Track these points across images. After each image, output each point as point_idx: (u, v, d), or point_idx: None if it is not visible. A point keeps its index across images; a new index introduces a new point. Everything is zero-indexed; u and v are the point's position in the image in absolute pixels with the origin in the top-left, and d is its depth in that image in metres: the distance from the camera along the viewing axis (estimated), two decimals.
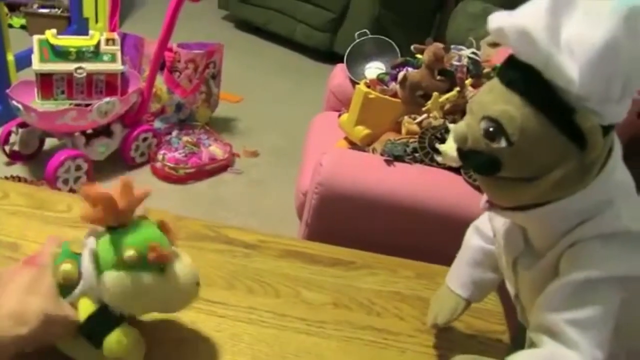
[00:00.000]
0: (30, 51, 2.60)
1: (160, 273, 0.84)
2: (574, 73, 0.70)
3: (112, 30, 2.83)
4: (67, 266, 0.83)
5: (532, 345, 0.87)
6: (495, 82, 0.80)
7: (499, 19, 0.77)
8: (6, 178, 2.53)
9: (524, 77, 0.75)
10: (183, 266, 0.88)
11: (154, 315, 0.95)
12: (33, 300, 0.78)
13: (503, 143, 0.76)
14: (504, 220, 0.96)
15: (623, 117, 0.77)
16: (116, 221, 0.84)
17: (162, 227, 0.88)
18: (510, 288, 1.02)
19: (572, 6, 0.72)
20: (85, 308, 0.83)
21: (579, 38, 0.70)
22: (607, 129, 0.76)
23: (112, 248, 0.83)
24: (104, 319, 0.84)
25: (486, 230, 1.07)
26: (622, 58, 0.70)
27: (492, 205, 0.89)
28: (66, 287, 0.83)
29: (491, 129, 0.77)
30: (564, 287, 0.81)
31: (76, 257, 0.85)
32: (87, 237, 0.86)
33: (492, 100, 0.78)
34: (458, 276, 1.09)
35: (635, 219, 0.81)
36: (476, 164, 0.81)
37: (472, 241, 1.10)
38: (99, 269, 0.83)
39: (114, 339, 0.83)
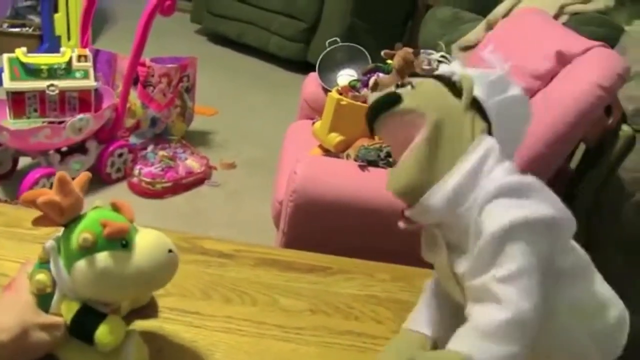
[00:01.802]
0: (0, 70, 2.59)
1: (125, 249, 0.83)
2: None
3: (84, 46, 2.83)
4: (39, 276, 0.84)
5: None
6: None
7: None
8: None
9: None
10: (149, 237, 0.87)
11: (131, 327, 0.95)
12: (10, 312, 0.80)
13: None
14: (426, 245, 0.96)
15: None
16: (67, 218, 0.84)
17: (115, 207, 0.89)
18: (459, 298, 0.95)
19: None
20: (69, 309, 0.84)
21: None
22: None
23: (69, 241, 0.83)
24: (89, 315, 0.84)
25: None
26: None
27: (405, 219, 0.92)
28: (45, 297, 0.84)
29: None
30: (475, 255, 0.82)
31: (47, 266, 0.85)
32: (47, 242, 0.86)
33: None
34: (415, 318, 1.06)
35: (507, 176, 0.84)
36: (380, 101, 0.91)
37: (425, 291, 1.08)
38: (66, 267, 0.83)
39: (104, 330, 0.82)
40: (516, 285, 0.77)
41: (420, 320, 1.04)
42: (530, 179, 0.85)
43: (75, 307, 0.84)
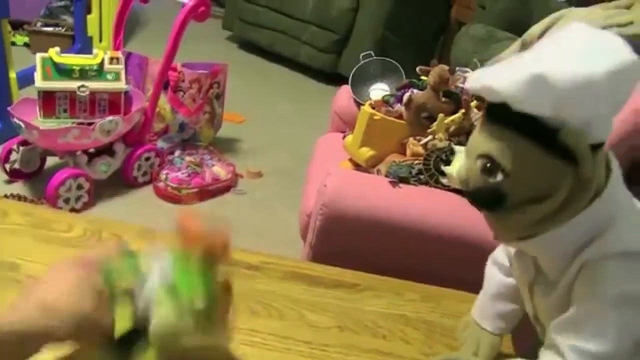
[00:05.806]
0: (33, 69, 2.60)
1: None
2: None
3: (117, 49, 2.83)
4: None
5: None
6: (483, 123, 0.84)
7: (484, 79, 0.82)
8: (6, 196, 2.51)
9: (507, 112, 0.78)
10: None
11: None
12: (72, 299, 0.75)
13: (500, 176, 0.81)
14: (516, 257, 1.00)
15: (609, 133, 0.80)
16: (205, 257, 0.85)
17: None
18: (528, 308, 1.03)
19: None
20: (121, 322, 0.79)
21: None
22: (596, 146, 0.79)
23: (186, 286, 0.81)
24: (138, 339, 0.79)
25: (503, 261, 1.09)
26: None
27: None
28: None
29: (487, 165, 0.81)
30: (577, 314, 0.84)
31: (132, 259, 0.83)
32: (157, 255, 0.83)
33: (483, 139, 0.83)
34: (482, 310, 1.13)
35: (636, 239, 0.83)
36: (483, 201, 0.86)
37: (491, 274, 1.12)
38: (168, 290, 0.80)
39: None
40: None
41: (489, 316, 1.11)
42: None
43: (127, 323, 0.79)
